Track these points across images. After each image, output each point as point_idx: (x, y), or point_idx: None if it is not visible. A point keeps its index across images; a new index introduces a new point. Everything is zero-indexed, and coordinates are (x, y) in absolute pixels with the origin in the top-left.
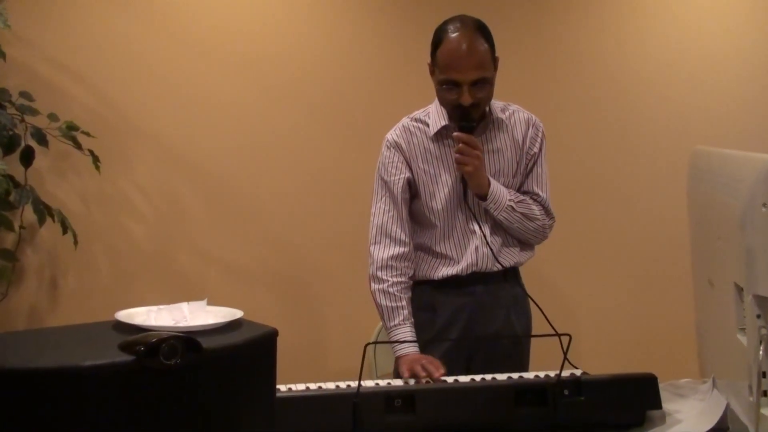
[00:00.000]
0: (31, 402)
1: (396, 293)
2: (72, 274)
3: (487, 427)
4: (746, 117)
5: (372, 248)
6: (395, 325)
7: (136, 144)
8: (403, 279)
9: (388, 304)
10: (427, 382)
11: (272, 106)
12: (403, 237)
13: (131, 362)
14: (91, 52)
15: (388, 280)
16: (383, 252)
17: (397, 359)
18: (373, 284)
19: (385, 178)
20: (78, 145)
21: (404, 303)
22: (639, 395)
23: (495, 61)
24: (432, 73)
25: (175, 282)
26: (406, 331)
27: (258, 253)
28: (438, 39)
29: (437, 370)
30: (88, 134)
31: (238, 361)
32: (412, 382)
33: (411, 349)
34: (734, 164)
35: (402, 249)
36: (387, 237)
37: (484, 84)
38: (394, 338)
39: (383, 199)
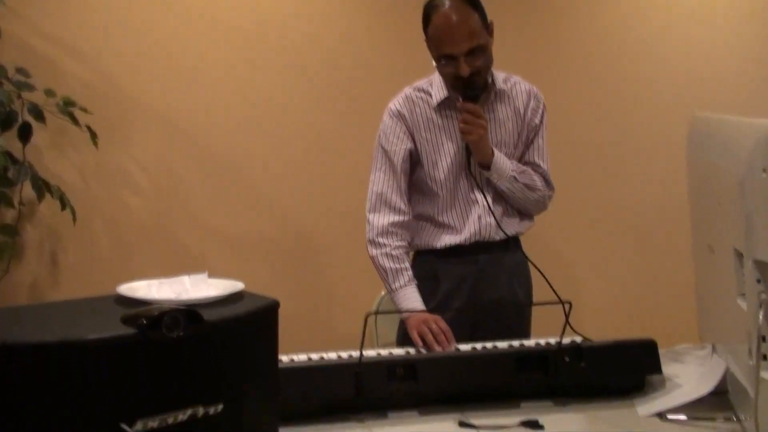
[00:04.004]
0: (36, 376)
1: (398, 255)
2: (72, 249)
3: (489, 393)
4: (746, 82)
5: (370, 215)
6: (401, 286)
7: (134, 118)
8: (403, 243)
9: (392, 265)
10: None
11: (271, 78)
12: (402, 206)
13: (134, 335)
14: (87, 26)
15: (389, 244)
16: (382, 219)
17: (405, 321)
18: (373, 249)
19: (386, 147)
20: (75, 121)
21: (407, 265)
22: (639, 360)
23: (488, 26)
24: (429, 49)
25: (176, 255)
26: (412, 292)
27: (258, 226)
28: (426, 16)
29: (445, 341)
30: (85, 110)
31: (240, 333)
32: (413, 351)
33: (418, 308)
34: (734, 130)
35: (401, 217)
36: (386, 205)
37: (480, 52)
38: (400, 299)
39: (383, 168)
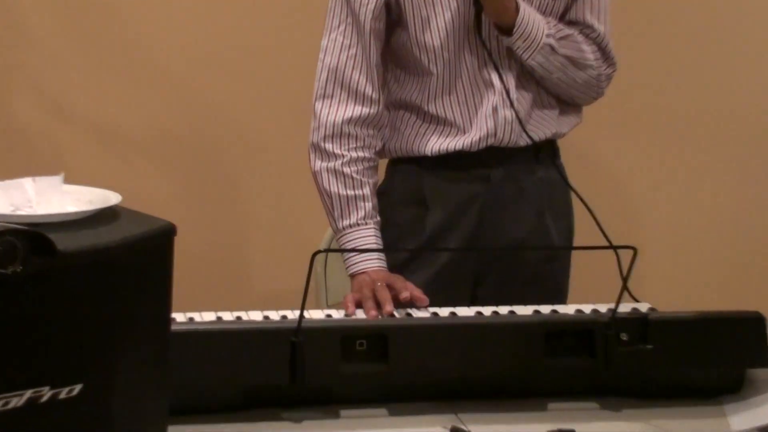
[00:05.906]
0: None
1: (354, 175)
2: None
3: (501, 386)
4: None
5: (318, 104)
6: (350, 226)
7: None
8: (366, 154)
9: (342, 191)
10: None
11: None
12: (368, 90)
13: None
14: None
15: (342, 155)
16: (336, 111)
17: (351, 279)
18: (317, 161)
19: None
20: None
21: (367, 191)
22: (735, 345)
23: None
24: None
25: (15, 146)
26: (367, 235)
27: (146, 109)
28: None
29: (388, 299)
30: None
31: (113, 271)
32: (360, 314)
33: (373, 263)
34: None
35: (367, 109)
36: (343, 88)
37: None
38: (349, 245)
39: (341, 28)
